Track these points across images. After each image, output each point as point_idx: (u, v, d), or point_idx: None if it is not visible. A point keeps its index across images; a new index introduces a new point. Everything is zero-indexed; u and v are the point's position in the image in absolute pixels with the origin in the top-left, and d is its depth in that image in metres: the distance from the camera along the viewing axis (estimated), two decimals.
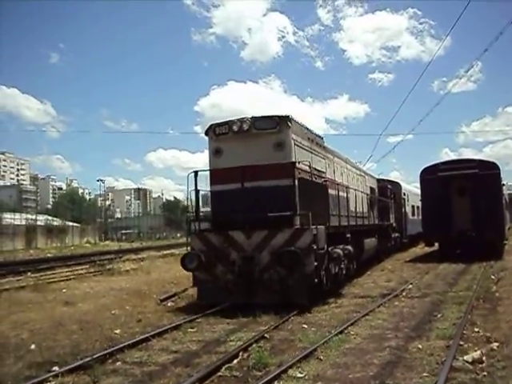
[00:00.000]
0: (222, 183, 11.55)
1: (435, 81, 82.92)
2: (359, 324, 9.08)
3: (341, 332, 8.34)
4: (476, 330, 8.15)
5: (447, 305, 10.69)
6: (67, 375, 6.39)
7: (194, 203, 12.17)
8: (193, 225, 12.00)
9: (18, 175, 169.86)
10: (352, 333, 8.39)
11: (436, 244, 24.03)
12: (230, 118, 11.91)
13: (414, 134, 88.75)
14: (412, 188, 34.66)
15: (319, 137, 14.14)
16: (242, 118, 11.54)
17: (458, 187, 22.07)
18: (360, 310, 10.50)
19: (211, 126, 12.05)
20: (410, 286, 13.97)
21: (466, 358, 6.42)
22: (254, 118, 11.47)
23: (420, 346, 7.28)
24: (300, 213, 10.89)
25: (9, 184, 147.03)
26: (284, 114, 11.53)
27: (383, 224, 21.44)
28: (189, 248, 11.52)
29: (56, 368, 6.65)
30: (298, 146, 11.74)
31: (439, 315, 9.56)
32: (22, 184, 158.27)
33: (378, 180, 23.83)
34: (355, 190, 17.05)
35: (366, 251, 16.75)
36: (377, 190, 22.31)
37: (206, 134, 12.16)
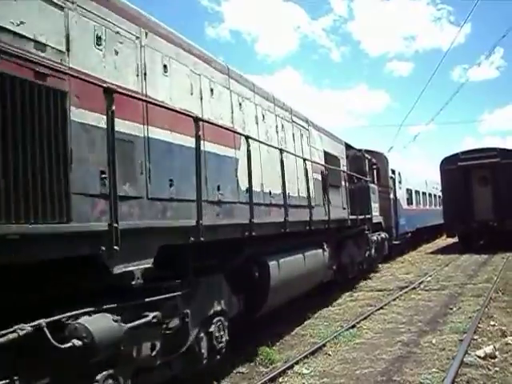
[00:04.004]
0: None
1: (457, 69, 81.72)
2: (372, 318, 8.95)
3: (352, 326, 8.24)
4: (492, 323, 7.93)
5: (465, 297, 10.45)
6: None
7: None
8: None
9: None
10: (364, 327, 8.27)
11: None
12: None
13: (436, 124, 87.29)
14: (407, 164, 25.55)
15: None
16: None
17: (479, 177, 21.60)
18: (375, 303, 10.38)
19: None
20: (429, 278, 13.77)
21: (478, 352, 6.24)
22: None
23: (432, 341, 7.11)
24: None
25: None
26: None
27: (343, 220, 11.51)
28: None
29: None
30: None
31: (455, 308, 9.35)
32: None
33: (349, 146, 14.09)
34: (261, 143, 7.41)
35: (274, 290, 7.09)
36: (344, 163, 12.90)
37: None
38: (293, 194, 8.40)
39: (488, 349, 6.27)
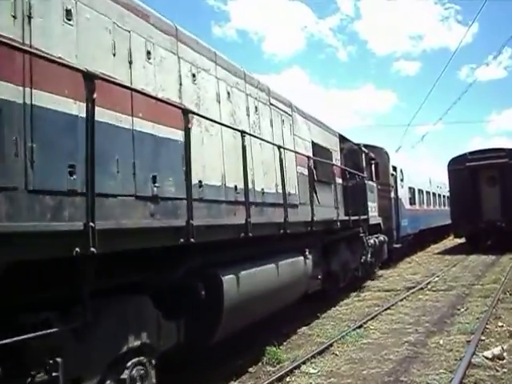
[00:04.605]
0: None
1: (464, 69, 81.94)
2: (379, 318, 8.94)
3: (360, 326, 8.24)
4: (500, 324, 7.91)
5: (472, 298, 10.42)
6: None
7: None
8: None
9: None
10: (371, 327, 8.27)
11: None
12: None
13: (444, 124, 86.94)
14: (409, 161, 24.16)
15: None
16: None
17: (487, 177, 21.52)
18: (382, 303, 10.38)
19: None
20: (436, 278, 13.73)
21: (485, 353, 6.23)
22: None
23: (440, 341, 7.10)
24: None
25: None
26: None
27: (331, 221, 9.60)
28: None
29: None
30: None
31: (463, 309, 9.33)
32: None
33: (344, 139, 12.56)
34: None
35: (231, 311, 5.51)
36: (338, 157, 11.58)
37: None
38: (268, 190, 7.11)
39: (496, 350, 6.26)
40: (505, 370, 5.75)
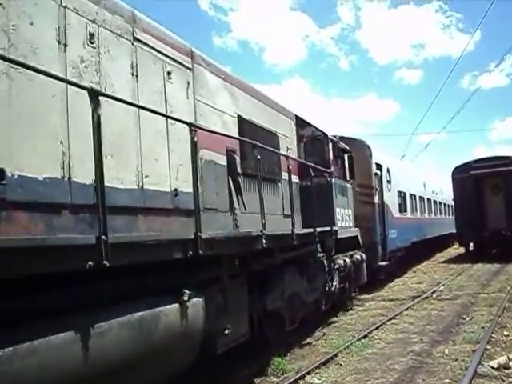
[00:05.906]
0: None
1: (467, 77, 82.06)
2: (384, 328, 8.91)
3: (364, 336, 8.21)
4: (506, 333, 7.86)
5: (478, 307, 10.35)
6: None
7: None
8: None
9: None
10: (376, 337, 8.24)
11: (471, 244, 23.34)
12: None
13: (447, 132, 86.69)
14: (399, 160, 22.03)
15: None
16: None
17: (491, 185, 21.46)
18: (387, 313, 10.35)
19: None
20: (442, 287, 13.67)
21: (491, 363, 6.19)
22: None
23: (445, 351, 7.06)
24: None
25: None
26: None
27: (248, 238, 5.72)
28: None
29: None
30: None
31: (468, 318, 9.28)
32: None
33: (303, 123, 9.66)
34: None
35: None
36: (293, 146, 8.75)
37: None
38: (120, 185, 4.24)
39: (502, 359, 6.22)
40: (511, 379, 5.71)
